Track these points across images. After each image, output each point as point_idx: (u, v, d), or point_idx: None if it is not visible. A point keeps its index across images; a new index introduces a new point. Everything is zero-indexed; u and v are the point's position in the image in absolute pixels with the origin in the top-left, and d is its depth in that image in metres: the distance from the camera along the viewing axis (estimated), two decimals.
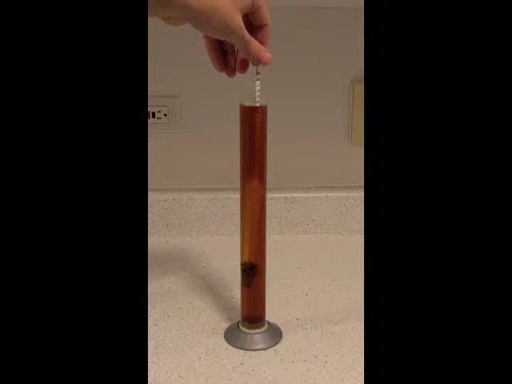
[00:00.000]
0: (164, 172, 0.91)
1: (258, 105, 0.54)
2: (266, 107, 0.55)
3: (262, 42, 0.54)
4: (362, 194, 0.91)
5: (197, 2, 0.47)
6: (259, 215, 0.57)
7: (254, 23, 0.54)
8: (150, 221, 0.90)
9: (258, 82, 0.54)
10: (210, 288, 0.72)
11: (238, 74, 0.58)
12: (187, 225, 0.91)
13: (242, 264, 0.58)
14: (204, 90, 0.88)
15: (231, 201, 0.89)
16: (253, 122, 0.54)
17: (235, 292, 0.69)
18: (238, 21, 0.50)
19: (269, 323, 0.61)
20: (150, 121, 0.89)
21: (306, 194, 0.92)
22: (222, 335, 0.60)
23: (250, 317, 0.60)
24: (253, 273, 0.58)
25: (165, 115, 0.89)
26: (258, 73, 0.54)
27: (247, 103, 0.54)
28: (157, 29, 0.83)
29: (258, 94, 0.54)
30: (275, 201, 0.90)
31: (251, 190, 0.56)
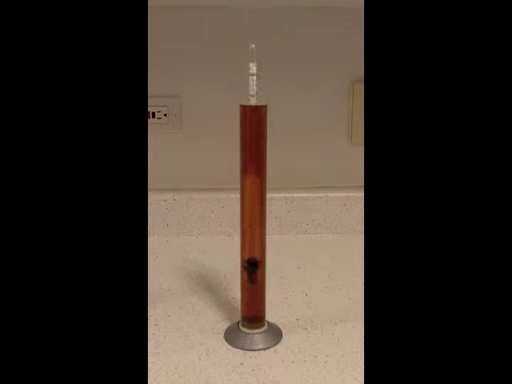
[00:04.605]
0: (164, 172, 0.91)
1: (255, 102, 0.54)
2: (265, 107, 0.55)
3: None
4: (362, 194, 0.91)
5: None
6: (259, 213, 0.57)
7: None
8: (149, 221, 0.90)
9: (254, 78, 0.54)
10: (209, 288, 0.72)
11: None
12: (187, 225, 0.91)
13: (244, 261, 0.58)
14: (204, 90, 0.88)
15: (231, 201, 0.89)
16: (252, 122, 0.54)
17: (235, 292, 0.69)
18: None
19: (269, 323, 0.61)
20: (150, 121, 0.89)
21: (306, 194, 0.92)
22: (222, 335, 0.60)
23: (250, 317, 0.60)
24: (256, 269, 0.58)
25: (165, 115, 0.89)
26: (254, 70, 0.54)
27: (247, 103, 0.54)
28: (157, 29, 0.84)
29: (253, 92, 0.54)
30: (275, 201, 0.90)
31: (251, 189, 0.56)
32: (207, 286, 0.73)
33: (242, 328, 0.60)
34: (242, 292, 0.60)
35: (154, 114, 0.89)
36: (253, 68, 0.53)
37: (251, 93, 0.54)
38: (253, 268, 0.58)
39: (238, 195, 0.57)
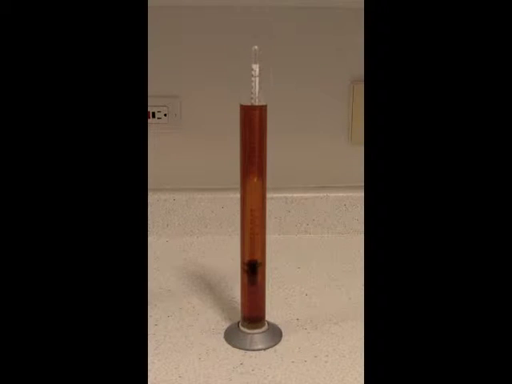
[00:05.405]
0: (164, 172, 0.91)
1: (256, 103, 0.54)
2: (265, 107, 0.54)
3: None
4: (362, 194, 0.91)
5: None
6: (260, 214, 0.57)
7: None
8: (149, 221, 0.90)
9: (257, 80, 0.54)
10: (209, 288, 0.72)
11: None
12: (187, 225, 0.91)
13: (245, 263, 0.58)
14: (204, 90, 0.88)
15: (231, 201, 0.89)
16: (252, 122, 0.54)
17: (235, 292, 0.69)
18: None
19: (269, 323, 0.61)
20: (150, 121, 0.89)
21: (306, 194, 0.92)
22: (222, 335, 0.60)
23: (250, 317, 0.60)
24: (256, 271, 0.58)
25: (165, 115, 0.89)
26: (257, 72, 0.54)
27: (247, 103, 0.54)
28: (157, 29, 0.84)
29: (256, 92, 0.54)
30: (275, 201, 0.90)
31: (251, 189, 0.56)
32: (207, 286, 0.73)
33: (242, 328, 0.60)
34: (242, 292, 0.60)
35: (154, 113, 0.89)
36: (256, 70, 0.54)
37: (254, 95, 0.54)
38: (253, 270, 0.58)
39: (238, 195, 0.57)
